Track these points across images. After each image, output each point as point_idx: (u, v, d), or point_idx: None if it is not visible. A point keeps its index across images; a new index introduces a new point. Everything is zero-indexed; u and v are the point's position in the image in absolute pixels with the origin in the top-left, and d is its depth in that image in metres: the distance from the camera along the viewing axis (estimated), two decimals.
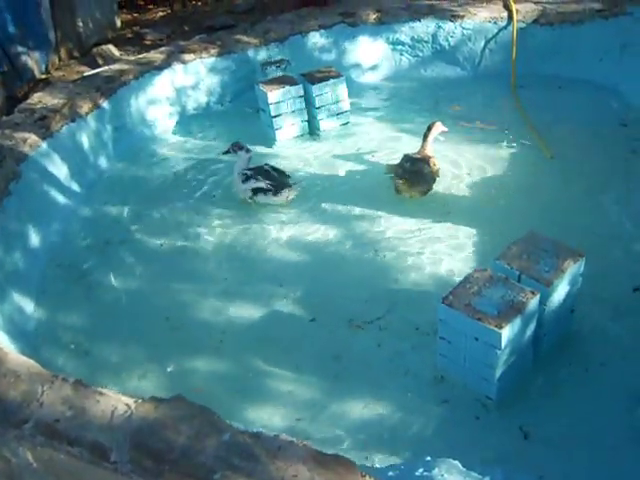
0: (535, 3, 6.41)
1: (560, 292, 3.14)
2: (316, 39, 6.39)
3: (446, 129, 4.88)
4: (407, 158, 4.70)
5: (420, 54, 6.56)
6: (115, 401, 2.47)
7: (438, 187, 4.75)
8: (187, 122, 6.08)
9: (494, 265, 3.20)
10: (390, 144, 5.43)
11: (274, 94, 5.41)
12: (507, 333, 2.83)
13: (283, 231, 4.54)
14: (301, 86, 5.51)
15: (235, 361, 3.54)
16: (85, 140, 5.24)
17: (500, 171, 4.94)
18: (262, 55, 6.24)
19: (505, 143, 5.28)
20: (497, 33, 6.37)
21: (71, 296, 4.14)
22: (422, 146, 4.78)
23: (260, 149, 5.46)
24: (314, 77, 5.61)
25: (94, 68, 5.98)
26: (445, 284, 3.83)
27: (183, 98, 6.04)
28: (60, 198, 4.85)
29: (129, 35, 7.19)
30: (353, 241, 4.35)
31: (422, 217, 4.48)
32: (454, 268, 3.98)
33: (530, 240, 3.31)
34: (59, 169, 4.90)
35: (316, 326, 3.71)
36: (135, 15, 8.53)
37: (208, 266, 4.30)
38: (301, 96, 5.53)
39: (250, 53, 6.19)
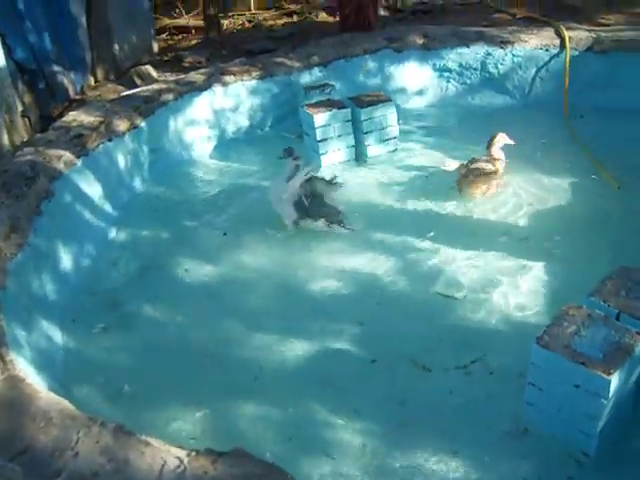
0: (588, 30, 6.16)
1: None
2: (360, 64, 6.15)
3: (511, 141, 4.71)
4: (472, 159, 4.67)
5: (468, 81, 6.30)
6: (164, 453, 2.11)
7: (501, 215, 4.43)
8: (226, 146, 5.81)
9: (587, 302, 2.84)
10: (440, 172, 5.11)
11: (320, 117, 5.14)
12: (615, 380, 2.46)
13: (332, 261, 4.20)
14: (349, 110, 5.25)
15: (286, 405, 3.15)
16: (121, 160, 4.98)
17: (565, 202, 4.60)
18: (305, 79, 6.00)
19: (567, 174, 4.94)
20: (549, 61, 6.11)
21: (103, 327, 3.79)
22: (487, 153, 4.72)
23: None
24: (362, 101, 5.35)
25: (131, 88, 5.75)
26: (523, 323, 3.50)
27: (222, 121, 5.79)
28: (93, 219, 4.57)
29: (166, 58, 7.01)
30: (411, 274, 4.00)
31: (487, 248, 4.13)
32: (531, 305, 3.61)
33: (624, 275, 2.96)
34: (93, 189, 4.64)
35: (377, 368, 3.34)
36: (170, 42, 8.40)
37: (252, 297, 3.95)
38: (348, 120, 5.26)
39: (293, 77, 5.96)
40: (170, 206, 5.03)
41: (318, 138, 5.19)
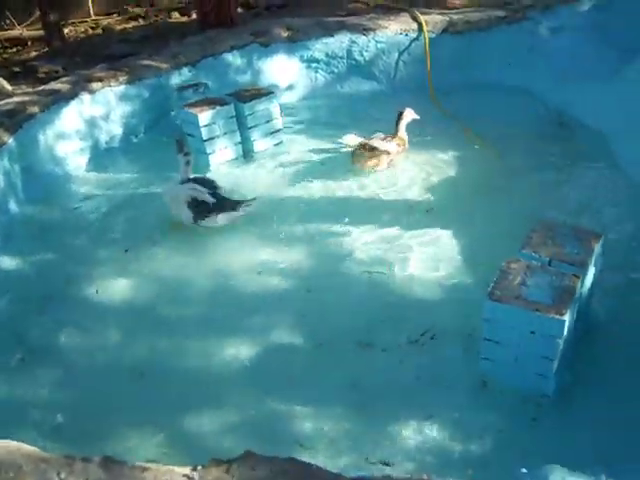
0: (441, 14, 6.53)
1: (590, 273, 3.02)
2: (229, 60, 6.06)
3: (417, 116, 4.96)
4: (375, 134, 4.91)
5: (335, 70, 6.42)
6: (168, 475, 1.94)
7: (401, 190, 4.60)
8: (101, 157, 5.48)
9: (521, 255, 3.02)
10: (330, 158, 5.18)
11: (205, 115, 4.99)
12: (567, 320, 2.64)
13: (247, 256, 4.11)
14: (232, 105, 5.14)
15: (246, 407, 3.04)
16: None
17: (455, 173, 4.86)
18: (175, 80, 5.80)
19: (450, 148, 5.20)
20: (409, 45, 6.40)
21: (17, 366, 3.41)
22: (395, 131, 4.92)
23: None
24: (243, 96, 5.27)
25: None
26: (449, 287, 3.65)
27: (94, 130, 5.44)
28: None
29: (16, 69, 6.44)
30: (332, 257, 4.02)
31: (397, 223, 4.25)
32: (452, 271, 3.77)
33: (546, 227, 3.18)
34: None
35: (324, 353, 3.31)
36: (5, 56, 7.75)
37: (175, 308, 3.75)
38: (232, 116, 5.16)
39: (162, 79, 5.73)
40: (53, 227, 4.65)
41: (204, 137, 5.03)
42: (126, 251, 4.24)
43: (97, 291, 3.90)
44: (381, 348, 3.30)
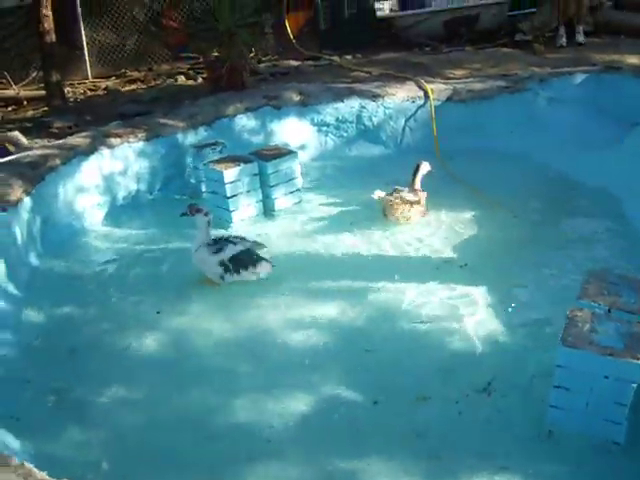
0: (444, 83, 6.82)
1: None
2: (243, 122, 6.19)
3: (431, 168, 5.18)
4: (396, 189, 5.04)
5: (345, 134, 6.60)
6: None
7: (430, 244, 4.71)
8: (117, 212, 5.45)
9: (579, 304, 3.08)
10: (351, 216, 5.25)
11: (230, 172, 5.04)
12: None
13: (276, 314, 4.04)
14: (256, 164, 5.20)
15: (304, 463, 2.96)
16: (18, 233, 4.41)
17: (478, 231, 4.95)
18: (190, 139, 5.88)
19: (467, 208, 5.31)
20: (415, 111, 6.63)
21: (56, 423, 3.25)
22: (411, 184, 5.10)
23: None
24: (264, 155, 5.35)
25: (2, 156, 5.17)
26: (498, 339, 3.67)
27: (112, 185, 5.42)
28: (1, 302, 3.96)
29: (28, 124, 6.42)
30: (374, 312, 4.00)
31: (432, 277, 4.29)
32: (499, 322, 3.80)
33: (598, 277, 3.27)
34: None
35: (383, 407, 3.26)
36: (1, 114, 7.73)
37: (218, 363, 3.66)
38: (256, 174, 5.22)
39: (179, 137, 5.80)
40: (74, 279, 4.58)
41: (228, 194, 5.06)
42: (158, 313, 4.13)
43: (128, 346, 3.79)
44: (440, 400, 3.27)
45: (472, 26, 8.56)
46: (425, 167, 5.17)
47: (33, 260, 4.62)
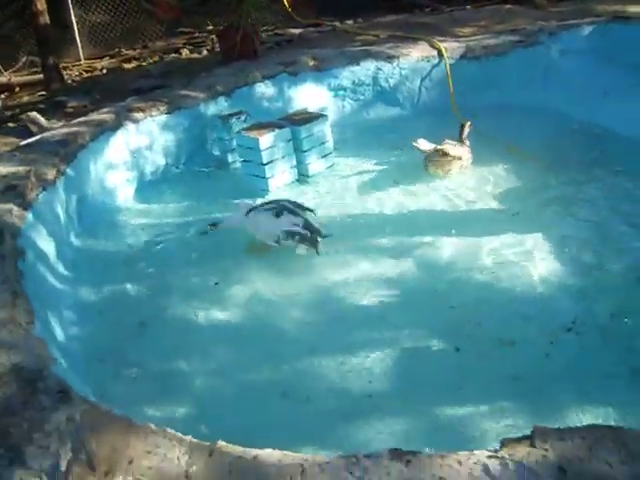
0: (456, 41, 6.76)
1: None
2: (262, 89, 6.07)
3: (473, 126, 5.28)
4: (444, 141, 5.07)
5: (362, 97, 6.51)
6: (473, 458, 1.83)
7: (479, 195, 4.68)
8: (146, 188, 5.31)
9: None
10: (386, 175, 5.21)
11: (266, 139, 4.94)
12: None
13: (340, 274, 3.95)
14: (289, 129, 5.10)
15: (407, 415, 2.92)
16: (60, 212, 4.28)
17: (522, 181, 4.95)
18: (212, 109, 5.75)
19: (498, 161, 5.30)
20: (430, 71, 6.57)
21: (140, 399, 3.15)
22: (460, 140, 5.18)
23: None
24: (295, 119, 5.26)
25: (27, 137, 5.00)
26: (567, 285, 3.66)
27: (140, 160, 5.29)
28: (56, 282, 3.84)
29: (42, 105, 6.20)
30: (430, 267, 3.96)
31: (488, 228, 4.26)
32: (567, 266, 3.79)
33: None
34: (47, 245, 3.92)
35: (468, 353, 3.25)
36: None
37: (290, 327, 3.58)
38: (290, 140, 5.12)
39: (201, 108, 5.67)
40: (119, 258, 4.44)
41: (264, 161, 4.96)
42: (216, 284, 4.02)
43: (198, 317, 3.71)
44: (526, 344, 3.26)
45: None
46: (469, 126, 5.25)
47: (74, 240, 4.48)
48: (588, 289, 3.59)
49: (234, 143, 5.53)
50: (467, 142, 5.20)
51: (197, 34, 8.69)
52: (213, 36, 8.06)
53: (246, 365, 3.32)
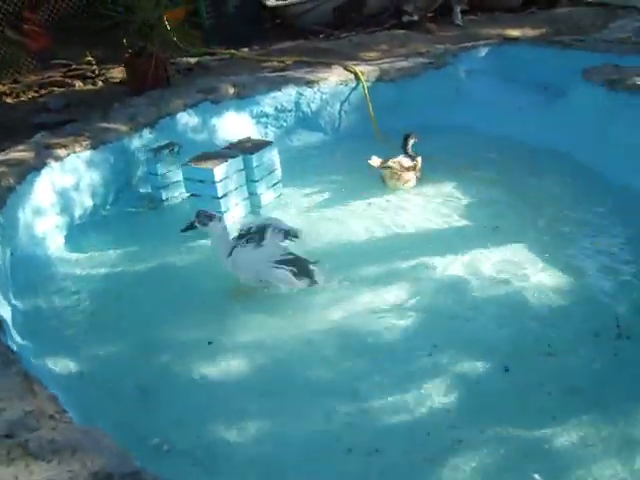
0: (369, 65, 6.75)
1: None
2: (186, 119, 5.62)
3: (418, 138, 5.30)
4: (390, 157, 5.08)
5: (284, 124, 6.27)
6: None
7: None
8: (77, 233, 4.65)
9: None
10: (344, 196, 5.07)
11: (220, 169, 4.51)
12: None
13: (339, 306, 3.70)
14: (241, 158, 4.72)
15: (490, 445, 2.73)
16: None
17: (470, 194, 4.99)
18: (136, 143, 5.23)
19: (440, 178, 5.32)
20: (349, 95, 6.50)
21: (186, 470, 2.66)
22: (404, 151, 5.20)
23: (202, 243, 4.42)
24: (244, 147, 4.89)
25: None
26: (575, 292, 3.68)
27: (68, 202, 4.63)
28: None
29: None
30: (429, 286, 3.84)
31: (474, 241, 4.21)
32: (559, 276, 3.80)
33: None
34: None
35: (516, 373, 3.11)
36: None
37: (310, 370, 3.26)
38: (241, 169, 4.74)
39: (125, 141, 5.11)
40: (77, 318, 3.82)
41: (220, 194, 4.53)
42: (209, 343, 3.50)
43: (203, 374, 3.24)
44: (566, 354, 3.20)
45: (360, 11, 8.60)
46: (414, 138, 5.25)
47: (13, 301, 3.75)
48: (596, 295, 3.62)
49: (169, 178, 5.04)
50: (413, 153, 5.23)
51: (75, 66, 7.93)
52: (96, 67, 7.41)
53: (290, 423, 2.91)
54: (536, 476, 2.56)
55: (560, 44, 6.91)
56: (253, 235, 3.78)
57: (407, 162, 5.05)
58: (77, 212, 4.71)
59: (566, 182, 5.20)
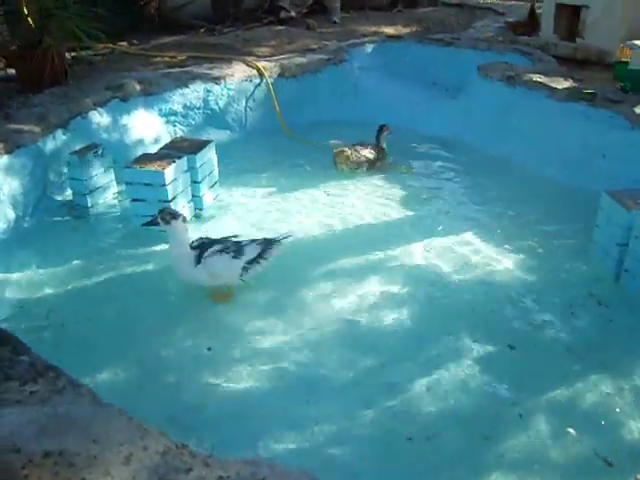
0: (267, 61, 6.69)
1: None
2: (97, 118, 5.20)
3: (391, 130, 5.51)
4: (359, 143, 5.39)
5: (193, 122, 6.02)
6: None
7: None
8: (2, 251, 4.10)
9: None
10: (290, 188, 5.10)
11: (170, 171, 4.23)
12: None
13: (324, 300, 3.69)
14: (186, 158, 4.46)
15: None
16: None
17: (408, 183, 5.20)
18: (51, 145, 4.75)
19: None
20: (254, 91, 6.41)
21: None
22: (377, 142, 5.47)
23: (149, 250, 4.17)
24: (183, 147, 4.62)
25: None
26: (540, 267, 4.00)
27: None
28: None
29: None
30: (404, 273, 3.94)
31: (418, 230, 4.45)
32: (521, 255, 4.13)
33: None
34: None
35: (520, 352, 3.33)
36: None
37: (312, 368, 3.19)
38: (186, 170, 4.48)
39: (40, 144, 4.60)
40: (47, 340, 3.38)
41: (170, 197, 4.25)
42: (208, 349, 3.32)
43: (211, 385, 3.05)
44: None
45: (239, 6, 8.45)
46: (387, 128, 5.49)
47: None
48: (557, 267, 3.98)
49: (94, 183, 4.65)
50: (384, 144, 5.47)
51: None
52: None
53: (340, 423, 2.85)
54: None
55: (442, 42, 7.38)
56: (229, 246, 3.64)
57: (365, 151, 5.30)
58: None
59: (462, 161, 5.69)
